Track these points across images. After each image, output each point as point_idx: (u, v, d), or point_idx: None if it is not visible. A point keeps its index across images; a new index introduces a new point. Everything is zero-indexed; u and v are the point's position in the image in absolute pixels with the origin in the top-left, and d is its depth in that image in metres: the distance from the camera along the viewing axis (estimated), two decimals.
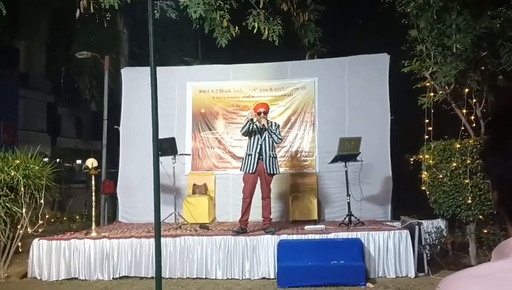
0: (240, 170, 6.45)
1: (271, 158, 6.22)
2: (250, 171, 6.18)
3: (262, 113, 6.22)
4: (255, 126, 6.18)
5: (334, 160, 6.76)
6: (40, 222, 6.31)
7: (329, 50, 9.81)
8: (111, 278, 6.01)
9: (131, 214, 8.17)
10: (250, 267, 5.92)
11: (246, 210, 6.24)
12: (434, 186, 6.12)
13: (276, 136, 6.25)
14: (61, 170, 11.90)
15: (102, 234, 6.47)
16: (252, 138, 6.26)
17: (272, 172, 6.24)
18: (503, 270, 0.76)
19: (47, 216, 6.99)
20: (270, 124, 6.24)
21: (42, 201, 6.24)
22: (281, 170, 7.09)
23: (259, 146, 6.20)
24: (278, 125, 6.47)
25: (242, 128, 6.29)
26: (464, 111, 6.08)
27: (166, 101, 8.00)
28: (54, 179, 6.62)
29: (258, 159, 6.18)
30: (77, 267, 6.05)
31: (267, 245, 5.93)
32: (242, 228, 6.22)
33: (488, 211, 5.77)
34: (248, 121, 6.20)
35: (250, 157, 6.22)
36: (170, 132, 7.68)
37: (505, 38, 5.70)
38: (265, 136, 6.22)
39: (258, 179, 6.32)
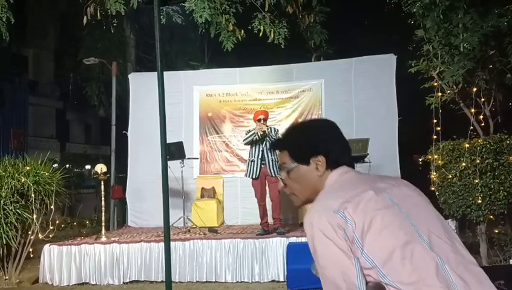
0: (245, 176, 6.68)
1: (274, 162, 6.38)
2: (254, 177, 6.41)
3: (262, 120, 6.47)
4: (256, 137, 6.42)
5: None
6: (51, 228, 6.36)
7: (335, 51, 9.80)
8: (122, 283, 6.05)
9: (140, 218, 8.21)
10: (259, 270, 5.92)
11: (263, 213, 6.50)
12: (444, 186, 6.07)
13: None
14: (70, 176, 11.98)
15: (112, 238, 6.51)
16: (254, 144, 6.48)
17: (276, 175, 6.33)
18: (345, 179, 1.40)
19: (57, 222, 7.04)
20: (269, 130, 6.42)
21: (52, 207, 6.29)
22: None
23: (260, 152, 6.42)
24: (277, 130, 6.59)
25: (246, 139, 6.48)
26: (472, 110, 6.02)
27: (173, 105, 8.03)
28: (63, 185, 6.67)
29: (261, 164, 6.41)
30: (88, 272, 6.09)
31: (276, 248, 5.93)
32: (265, 230, 6.43)
33: (498, 211, 5.71)
34: (253, 134, 6.42)
35: (252, 163, 6.45)
36: (178, 136, 7.72)
37: None
38: (266, 142, 6.41)
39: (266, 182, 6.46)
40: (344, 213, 1.25)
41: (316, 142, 1.46)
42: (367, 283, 1.23)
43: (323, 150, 1.43)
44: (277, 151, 1.56)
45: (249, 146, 6.56)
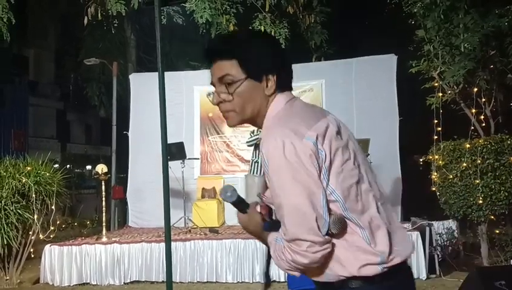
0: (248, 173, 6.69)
1: None
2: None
3: None
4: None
5: None
6: (52, 228, 6.37)
7: (336, 52, 9.79)
8: (122, 283, 6.05)
9: (141, 218, 8.21)
10: (260, 271, 5.91)
11: None
12: (445, 187, 6.07)
13: None
14: (71, 176, 12.00)
15: (113, 239, 6.51)
16: (258, 145, 6.43)
17: None
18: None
19: (58, 222, 7.06)
20: None
21: (53, 207, 6.30)
22: None
23: None
24: None
25: (250, 141, 6.49)
26: (473, 110, 6.02)
27: (174, 105, 8.03)
28: (64, 185, 6.67)
29: None
30: (89, 272, 6.10)
31: None
32: None
33: (499, 211, 5.72)
34: (257, 137, 6.42)
35: (257, 164, 6.48)
36: (179, 136, 7.72)
37: None
38: None
39: None
40: (317, 142, 1.21)
41: (272, 58, 1.35)
42: (329, 215, 1.22)
43: (276, 68, 1.35)
44: (218, 59, 1.34)
45: (252, 147, 6.57)
